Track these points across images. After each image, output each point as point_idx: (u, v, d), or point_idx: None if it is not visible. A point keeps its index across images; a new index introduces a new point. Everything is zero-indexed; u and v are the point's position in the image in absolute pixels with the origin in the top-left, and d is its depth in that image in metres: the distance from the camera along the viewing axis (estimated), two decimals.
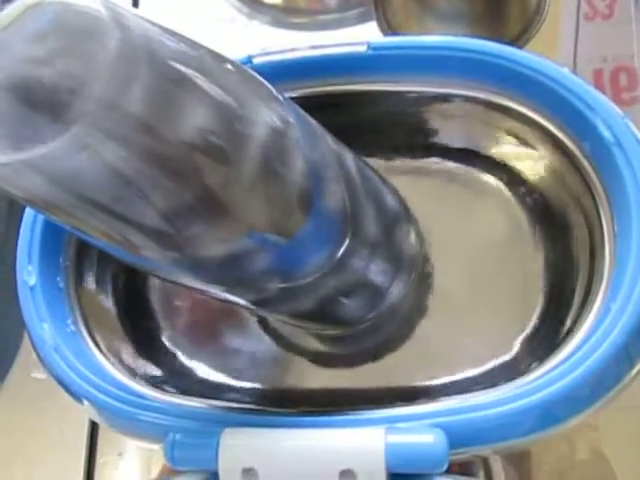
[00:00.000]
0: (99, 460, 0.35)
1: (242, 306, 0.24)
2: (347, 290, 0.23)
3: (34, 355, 0.23)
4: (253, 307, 0.22)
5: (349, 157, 0.21)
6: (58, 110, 0.12)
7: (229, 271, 0.17)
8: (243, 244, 0.16)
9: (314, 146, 0.18)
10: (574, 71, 0.35)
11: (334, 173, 0.19)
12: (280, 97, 0.17)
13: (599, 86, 0.35)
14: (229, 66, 0.16)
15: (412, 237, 0.25)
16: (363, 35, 0.40)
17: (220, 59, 0.15)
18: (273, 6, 0.42)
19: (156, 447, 0.21)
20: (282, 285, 0.19)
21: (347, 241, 0.20)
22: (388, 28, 0.35)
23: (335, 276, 0.21)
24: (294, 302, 0.21)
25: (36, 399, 0.36)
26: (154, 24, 0.14)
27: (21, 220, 0.24)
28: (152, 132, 0.13)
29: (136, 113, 0.12)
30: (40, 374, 0.23)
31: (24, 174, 0.13)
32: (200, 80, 0.14)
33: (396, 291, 0.24)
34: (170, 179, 0.14)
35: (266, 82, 0.17)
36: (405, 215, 0.25)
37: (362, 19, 0.40)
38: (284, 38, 0.41)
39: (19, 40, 0.13)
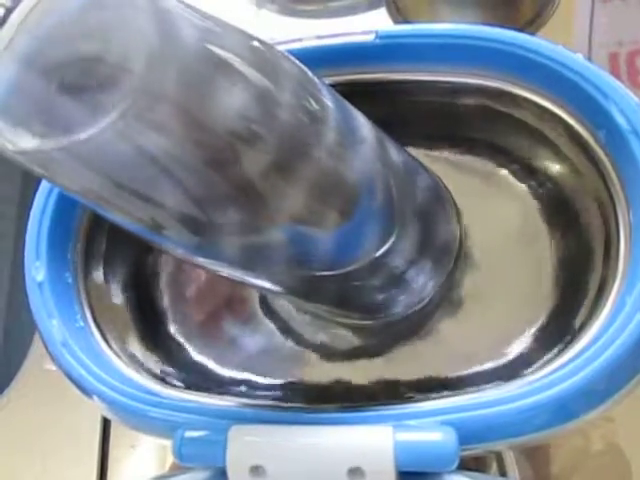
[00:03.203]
0: (112, 452, 0.36)
1: (262, 288, 0.23)
2: (385, 282, 0.22)
3: None
4: (273, 288, 0.21)
5: (392, 145, 0.20)
6: (95, 96, 0.12)
7: (254, 258, 0.17)
8: (276, 235, 0.16)
9: (355, 132, 0.17)
10: (589, 55, 0.35)
11: (379, 161, 0.18)
12: (317, 80, 0.16)
13: (615, 70, 0.34)
14: (262, 47, 0.15)
15: (456, 231, 0.24)
16: (374, 22, 0.39)
17: (253, 40, 0.15)
18: None
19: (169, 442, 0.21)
20: (314, 274, 0.19)
21: (394, 237, 0.19)
22: (398, 14, 0.35)
23: (375, 269, 0.20)
24: (321, 290, 0.21)
25: (49, 391, 0.36)
26: (186, 5, 0.13)
27: None
28: (191, 118, 0.13)
29: (175, 99, 0.12)
30: (53, 366, 0.23)
31: (59, 160, 0.12)
32: (237, 63, 0.13)
33: (429, 286, 0.24)
34: (208, 167, 0.13)
35: (302, 65, 0.16)
36: (451, 207, 0.24)
37: (373, 5, 0.39)
38: (293, 26, 0.41)
39: (50, 22, 0.12)
